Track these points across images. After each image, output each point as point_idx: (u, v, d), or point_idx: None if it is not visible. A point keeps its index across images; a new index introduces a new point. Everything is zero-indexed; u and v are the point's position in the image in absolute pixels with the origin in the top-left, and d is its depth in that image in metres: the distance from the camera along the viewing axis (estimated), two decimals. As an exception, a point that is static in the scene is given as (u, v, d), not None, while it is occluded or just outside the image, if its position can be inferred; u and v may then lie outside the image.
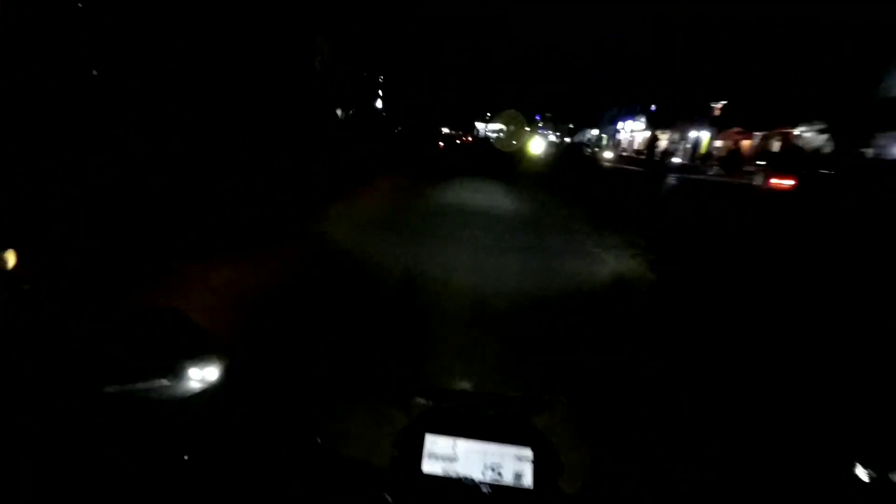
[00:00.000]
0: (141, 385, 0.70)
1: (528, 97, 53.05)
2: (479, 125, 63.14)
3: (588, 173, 19.17)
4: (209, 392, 0.75)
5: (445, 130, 53.29)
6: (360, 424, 0.81)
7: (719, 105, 27.14)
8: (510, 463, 0.73)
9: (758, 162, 16.79)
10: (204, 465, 0.67)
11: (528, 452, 0.74)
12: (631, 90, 39.93)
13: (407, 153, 20.02)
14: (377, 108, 46.83)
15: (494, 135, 61.96)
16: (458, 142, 43.02)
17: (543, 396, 0.90)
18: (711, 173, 19.88)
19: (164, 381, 0.72)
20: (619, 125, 45.91)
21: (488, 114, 62.43)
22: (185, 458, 0.66)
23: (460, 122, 58.73)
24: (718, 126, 26.54)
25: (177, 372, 0.74)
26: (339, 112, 43.43)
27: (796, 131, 19.86)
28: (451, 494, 0.71)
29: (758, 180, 15.57)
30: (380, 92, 46.63)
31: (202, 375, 0.75)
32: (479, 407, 0.85)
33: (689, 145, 31.21)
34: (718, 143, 28.48)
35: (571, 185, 14.03)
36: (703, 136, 29.46)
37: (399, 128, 44.21)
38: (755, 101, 20.35)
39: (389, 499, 0.68)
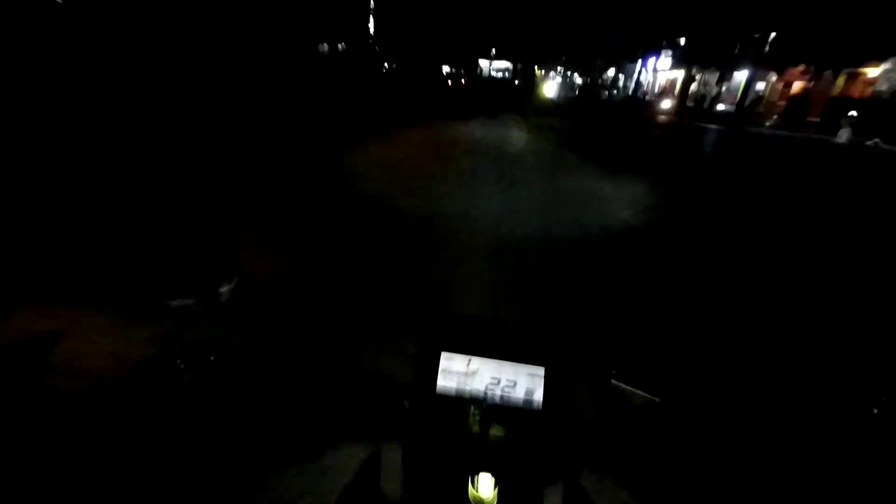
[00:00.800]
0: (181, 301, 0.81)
1: (539, 34, 46.95)
2: (484, 62, 57.47)
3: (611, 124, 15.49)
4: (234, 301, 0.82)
5: (446, 70, 48.13)
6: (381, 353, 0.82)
7: (768, 38, 22.82)
8: (523, 380, 0.74)
9: (849, 112, 13.00)
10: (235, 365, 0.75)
11: (540, 371, 0.75)
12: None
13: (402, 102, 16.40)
14: (369, 43, 41.50)
15: (500, 74, 56.87)
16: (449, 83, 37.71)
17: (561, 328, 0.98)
18: (769, 124, 16.15)
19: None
20: (641, 64, 40.78)
21: (493, 50, 56.50)
22: (212, 358, 0.77)
23: (462, 60, 53.27)
24: (766, 65, 22.36)
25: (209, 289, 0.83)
26: (324, 47, 38.40)
27: (876, 70, 15.99)
28: (463, 409, 0.72)
29: (844, 136, 12.11)
30: (371, 23, 41.07)
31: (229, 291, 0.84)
32: (494, 330, 0.85)
33: (724, 88, 27.01)
34: (760, 87, 24.42)
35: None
36: (745, 77, 25.29)
37: (393, 65, 39.35)
38: (826, 30, 16.06)
39: (407, 404, 0.74)
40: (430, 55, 46.41)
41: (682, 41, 32.97)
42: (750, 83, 19.08)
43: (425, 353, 0.77)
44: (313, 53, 33.96)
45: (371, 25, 41.93)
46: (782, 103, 18.92)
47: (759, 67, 20.60)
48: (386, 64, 37.98)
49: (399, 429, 0.73)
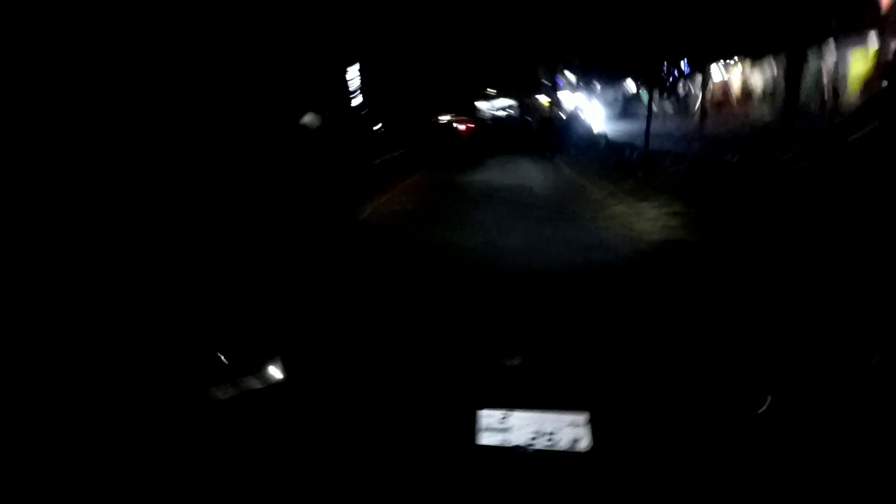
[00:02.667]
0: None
1: (544, 54, 40.60)
2: (482, 105, 51.90)
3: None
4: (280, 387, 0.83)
5: (444, 119, 42.51)
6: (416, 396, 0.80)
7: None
8: (566, 431, 0.71)
9: None
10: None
11: (583, 419, 0.72)
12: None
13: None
14: (354, 107, 35.81)
15: (504, 113, 51.27)
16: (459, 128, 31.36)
17: (598, 359, 0.93)
18: None
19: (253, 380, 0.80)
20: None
21: (490, 90, 50.98)
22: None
23: (458, 105, 47.62)
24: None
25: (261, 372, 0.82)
26: (308, 119, 32.76)
27: None
28: (505, 464, 0.70)
29: None
30: (352, 85, 35.46)
31: (277, 374, 0.84)
32: (531, 378, 0.82)
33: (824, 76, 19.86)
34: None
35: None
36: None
37: (380, 125, 33.43)
38: None
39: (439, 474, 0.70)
40: (421, 105, 40.73)
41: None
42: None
43: (462, 412, 0.74)
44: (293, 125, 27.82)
45: (359, 93, 35.96)
46: None
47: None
48: (380, 125, 31.86)
49: (438, 494, 0.68)
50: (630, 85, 36.18)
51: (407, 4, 35.38)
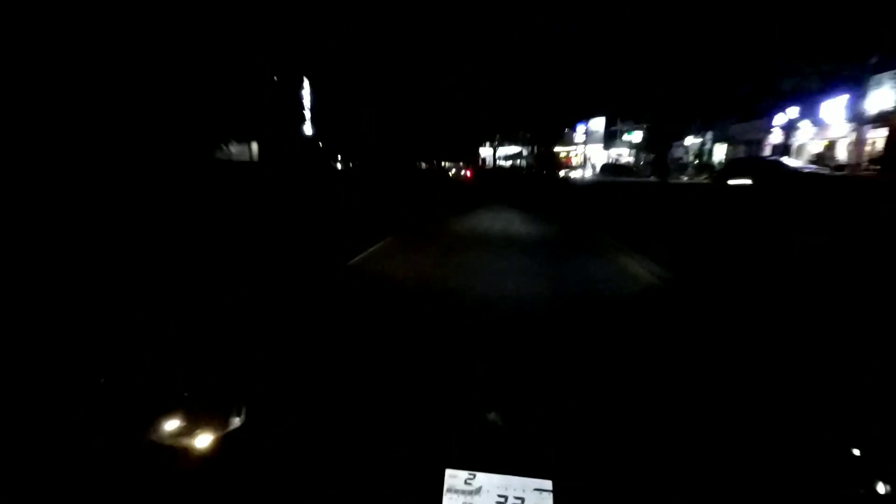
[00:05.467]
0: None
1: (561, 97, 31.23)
2: (485, 151, 42.25)
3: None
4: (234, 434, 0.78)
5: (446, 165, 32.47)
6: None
7: None
8: (531, 497, 0.72)
9: None
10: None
11: (548, 485, 0.73)
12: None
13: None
14: (305, 136, 25.21)
15: (508, 162, 41.98)
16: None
17: (564, 425, 0.90)
18: None
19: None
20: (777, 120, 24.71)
21: (497, 135, 41.44)
22: None
23: (456, 150, 37.67)
24: None
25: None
26: (230, 149, 21.74)
27: None
28: None
29: None
30: (305, 106, 24.90)
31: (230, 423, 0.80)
32: (498, 439, 0.83)
33: None
34: None
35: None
36: None
37: (348, 162, 22.72)
38: None
39: None
40: (411, 147, 30.66)
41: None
42: None
43: (428, 470, 0.73)
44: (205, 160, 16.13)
45: (307, 115, 24.93)
46: None
47: None
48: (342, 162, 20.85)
49: None
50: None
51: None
